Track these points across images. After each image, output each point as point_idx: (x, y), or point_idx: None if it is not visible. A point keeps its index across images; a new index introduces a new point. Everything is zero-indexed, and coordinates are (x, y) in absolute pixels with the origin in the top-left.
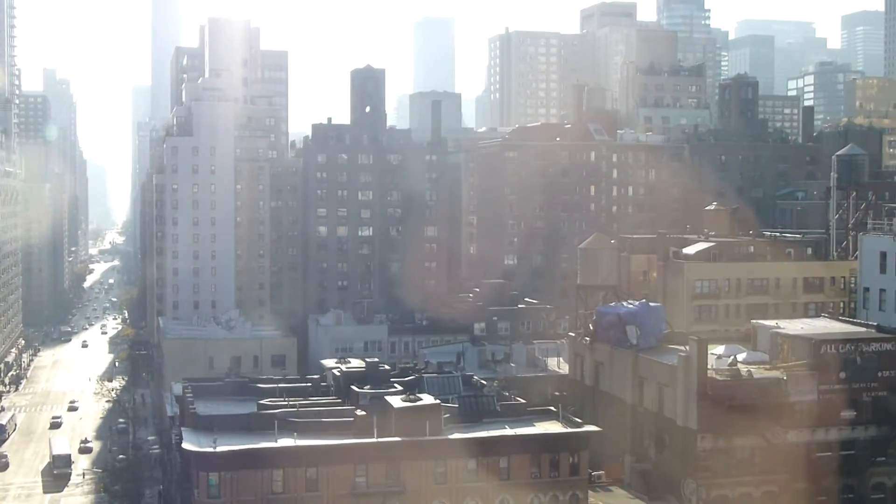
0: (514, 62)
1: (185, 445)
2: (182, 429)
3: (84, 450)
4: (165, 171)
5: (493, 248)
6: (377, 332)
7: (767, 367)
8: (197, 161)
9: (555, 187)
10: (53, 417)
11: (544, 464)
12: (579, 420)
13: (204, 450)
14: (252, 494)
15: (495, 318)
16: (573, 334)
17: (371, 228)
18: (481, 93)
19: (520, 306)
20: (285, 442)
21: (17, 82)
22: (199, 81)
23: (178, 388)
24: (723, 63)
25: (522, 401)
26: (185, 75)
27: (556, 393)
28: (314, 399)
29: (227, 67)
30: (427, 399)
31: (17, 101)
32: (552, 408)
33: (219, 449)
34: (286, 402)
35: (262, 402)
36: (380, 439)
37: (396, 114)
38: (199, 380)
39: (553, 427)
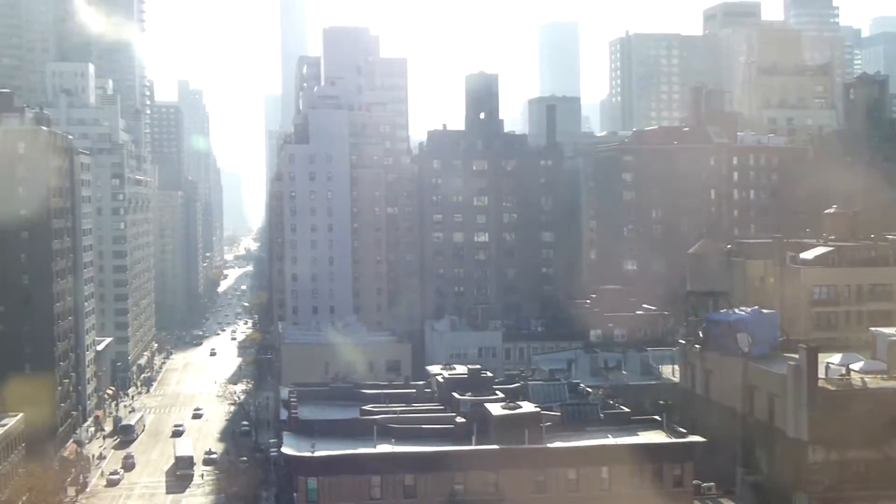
0: (634, 65)
1: (285, 449)
2: (284, 433)
3: (208, 461)
4: (283, 178)
5: (612, 253)
6: (491, 339)
7: (885, 376)
8: (313, 168)
9: (673, 191)
10: (175, 426)
11: (647, 474)
12: (684, 430)
13: (302, 454)
14: (350, 500)
15: (611, 325)
16: (683, 342)
17: (487, 234)
18: (605, 97)
19: (637, 312)
20: (384, 448)
21: (147, 93)
22: (315, 90)
23: (285, 393)
24: (855, 62)
25: (627, 409)
26: (305, 84)
27: (661, 402)
28: (416, 405)
29: (343, 75)
30: (527, 407)
31: (148, 112)
32: (657, 417)
33: (317, 454)
34: (388, 408)
35: (364, 407)
36: (478, 447)
37: (522, 119)
38: (305, 384)
39: (657, 437)
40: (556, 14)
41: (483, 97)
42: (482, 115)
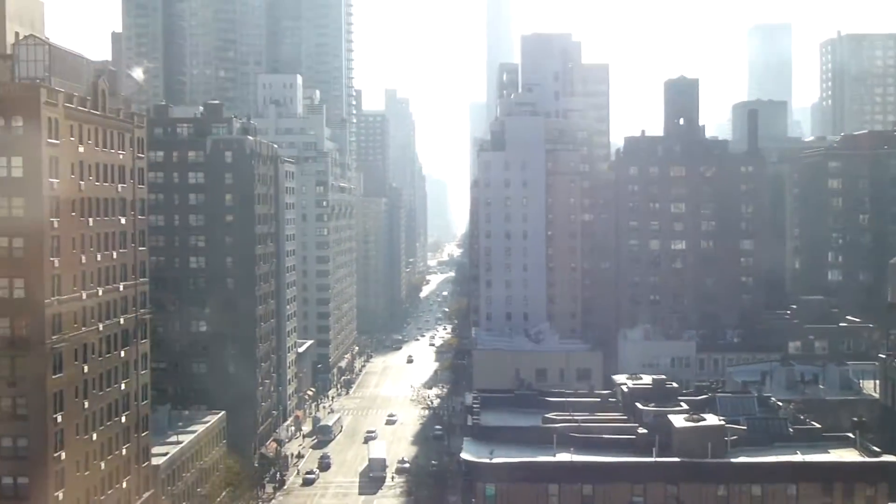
0: (846, 66)
1: (464, 455)
2: (465, 438)
3: (401, 470)
4: (479, 184)
5: (816, 262)
6: (685, 349)
7: None
8: (508, 175)
9: (883, 198)
10: (368, 432)
11: (837, 494)
12: (878, 449)
13: (480, 460)
14: None
15: (811, 337)
16: (884, 356)
17: (684, 242)
18: (816, 100)
19: (840, 325)
20: (563, 456)
21: (354, 102)
22: (512, 96)
23: (468, 398)
24: None
25: (818, 425)
26: (504, 91)
27: (855, 419)
28: (599, 415)
29: (540, 82)
30: (711, 419)
31: (354, 121)
32: (850, 434)
33: (495, 460)
34: (570, 417)
35: (547, 415)
36: (659, 459)
37: (728, 125)
38: (489, 391)
39: (849, 455)
40: (767, 16)
41: (683, 102)
42: (681, 121)
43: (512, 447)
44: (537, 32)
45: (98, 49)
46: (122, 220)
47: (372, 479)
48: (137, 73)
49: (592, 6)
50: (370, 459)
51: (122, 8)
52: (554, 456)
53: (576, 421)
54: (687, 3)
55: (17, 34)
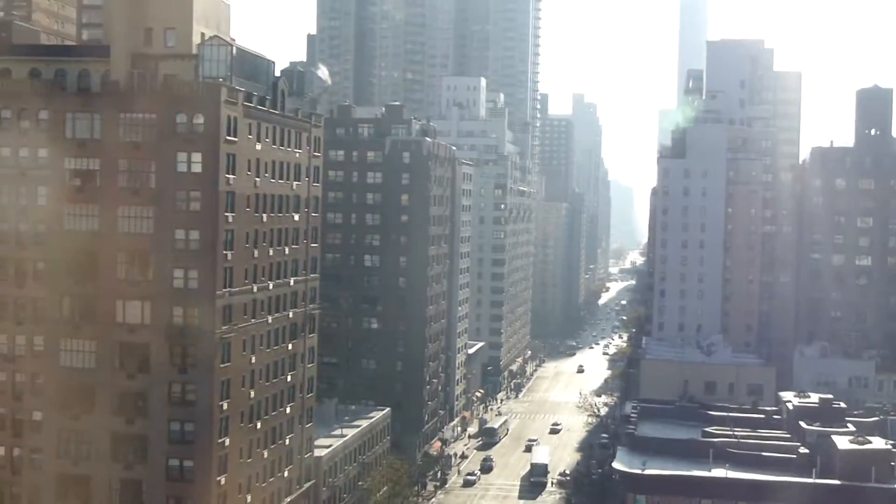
0: None
1: (616, 465)
2: (618, 448)
3: (562, 483)
4: (657, 192)
5: None
6: (864, 368)
7: None
8: (688, 183)
9: None
10: (529, 440)
11: None
12: None
13: (632, 470)
14: None
15: None
16: None
17: (869, 258)
18: None
19: None
20: (718, 472)
21: (538, 107)
22: (695, 104)
23: (628, 408)
24: None
25: None
26: (689, 97)
27: None
28: (761, 431)
29: (725, 89)
30: (878, 443)
31: (538, 125)
32: None
33: (647, 471)
34: (730, 432)
35: (706, 429)
36: (819, 480)
37: None
38: (650, 401)
39: None
40: None
41: (875, 112)
42: (873, 132)
43: (667, 459)
44: (724, 39)
45: (295, 50)
46: (296, 217)
47: (533, 484)
48: (325, 74)
49: (787, 13)
50: (532, 464)
51: (316, 11)
52: (709, 471)
53: (735, 436)
54: (885, 10)
55: (202, 35)
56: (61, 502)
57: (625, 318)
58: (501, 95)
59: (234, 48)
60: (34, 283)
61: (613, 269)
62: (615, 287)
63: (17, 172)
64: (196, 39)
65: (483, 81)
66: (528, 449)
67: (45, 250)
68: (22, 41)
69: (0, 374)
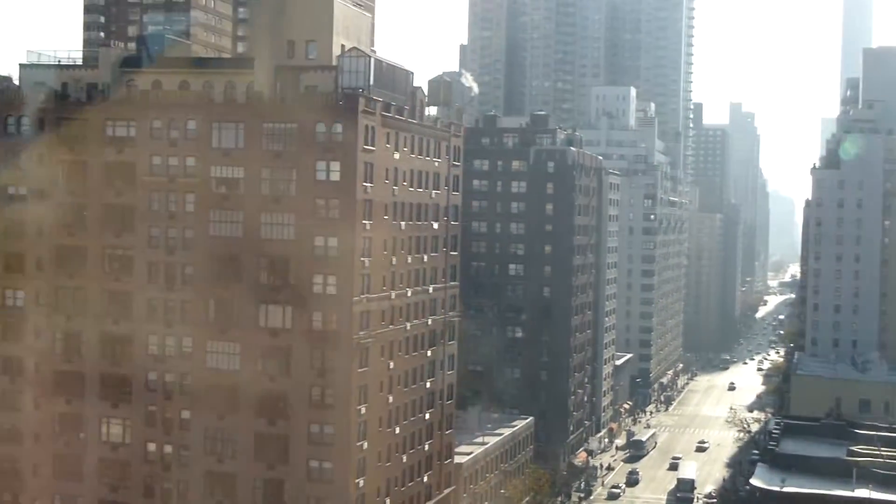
0: None
1: (754, 481)
2: (758, 464)
3: (707, 501)
4: (811, 204)
5: None
6: None
7: None
8: (842, 195)
9: None
10: (673, 458)
11: None
12: None
13: (770, 487)
14: None
15: None
16: None
17: None
18: None
19: None
20: (861, 492)
21: (691, 116)
22: (851, 112)
23: (771, 424)
24: None
25: None
26: (845, 106)
27: None
28: None
29: (883, 98)
30: None
31: (692, 134)
32: None
33: (785, 489)
34: (877, 451)
35: (852, 448)
36: None
37: None
38: (796, 417)
39: None
40: None
41: None
42: None
43: (807, 477)
44: (882, 46)
45: (447, 61)
46: (435, 225)
47: (679, 499)
48: (470, 82)
49: None
50: (679, 479)
51: (468, 21)
52: (852, 491)
53: (883, 456)
54: None
55: (342, 46)
56: (209, 499)
57: (782, 332)
58: (652, 105)
59: (373, 59)
60: (182, 287)
61: (772, 282)
62: (773, 300)
63: (167, 180)
64: (336, 51)
65: (633, 91)
66: (674, 467)
67: (193, 255)
68: (173, 54)
69: (151, 374)
